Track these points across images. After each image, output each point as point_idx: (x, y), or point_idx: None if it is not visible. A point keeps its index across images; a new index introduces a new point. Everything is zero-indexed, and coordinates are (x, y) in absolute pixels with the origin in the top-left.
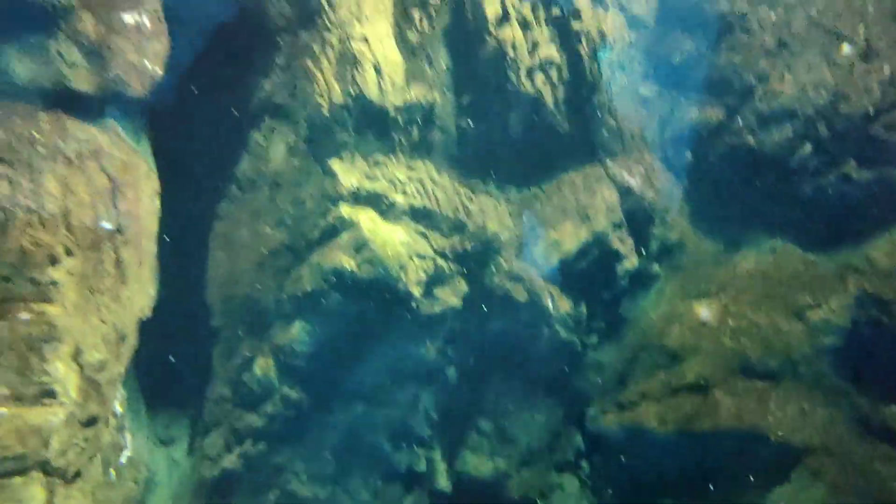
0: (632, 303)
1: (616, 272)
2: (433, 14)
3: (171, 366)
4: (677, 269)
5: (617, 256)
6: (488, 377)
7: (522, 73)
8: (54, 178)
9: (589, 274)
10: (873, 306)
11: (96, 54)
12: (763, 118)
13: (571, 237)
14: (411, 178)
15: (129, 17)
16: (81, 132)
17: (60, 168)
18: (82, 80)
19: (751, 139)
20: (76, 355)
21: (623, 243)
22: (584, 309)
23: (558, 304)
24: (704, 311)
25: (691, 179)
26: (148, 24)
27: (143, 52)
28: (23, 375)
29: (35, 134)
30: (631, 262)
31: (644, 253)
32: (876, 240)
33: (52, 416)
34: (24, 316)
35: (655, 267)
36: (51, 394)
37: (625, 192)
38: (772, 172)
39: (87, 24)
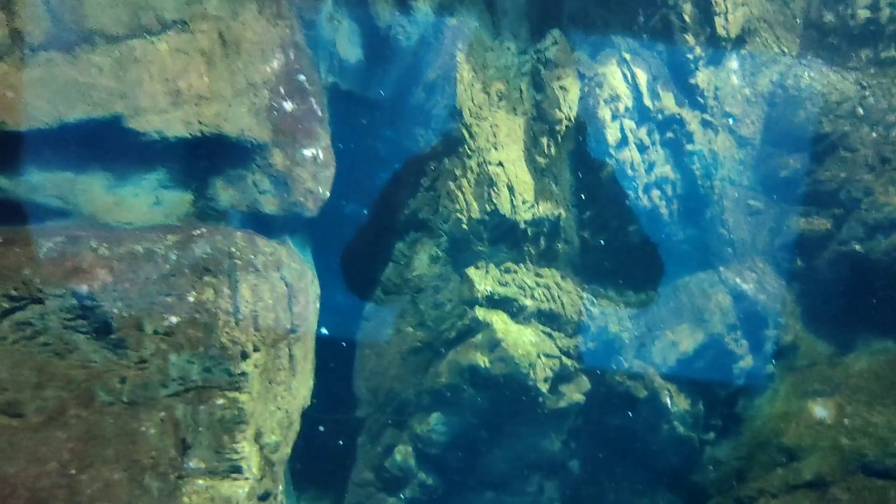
0: (748, 401)
1: (732, 372)
2: (559, 140)
3: (318, 451)
4: (791, 370)
5: (732, 357)
6: (610, 470)
7: (640, 189)
8: (247, 286)
9: (705, 373)
10: None
11: (283, 183)
12: (869, 228)
13: (688, 338)
14: (539, 284)
15: (308, 152)
16: (267, 247)
17: (251, 278)
18: (270, 205)
19: (858, 247)
20: (258, 437)
21: (738, 344)
22: (701, 406)
23: (676, 401)
24: (820, 409)
25: (802, 284)
26: (321, 155)
27: (317, 180)
28: (216, 452)
29: (233, 249)
30: (746, 362)
31: (758, 354)
32: None
33: (239, 488)
34: (220, 402)
35: (770, 367)
36: (238, 469)
37: (738, 296)
38: (880, 278)
39: (277, 158)
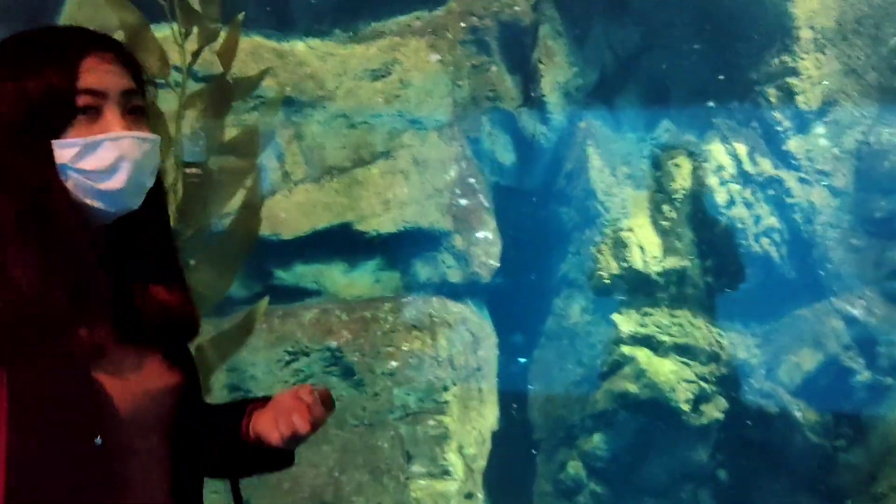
0: (872, 411)
1: (852, 386)
2: (678, 206)
3: (506, 467)
4: None
5: (851, 373)
6: (755, 477)
7: (751, 238)
8: (443, 337)
9: (830, 389)
10: None
11: (464, 259)
12: None
13: (809, 359)
14: (673, 323)
15: (480, 234)
16: (455, 307)
17: (446, 331)
18: (455, 276)
19: None
20: (460, 449)
21: (854, 362)
22: (830, 418)
23: (806, 415)
24: None
25: None
26: (490, 236)
27: (489, 255)
28: (432, 460)
29: (431, 311)
30: (864, 376)
31: (875, 369)
32: None
33: (451, 486)
34: (431, 423)
35: (888, 380)
36: (448, 473)
37: (850, 320)
38: None
39: (458, 241)
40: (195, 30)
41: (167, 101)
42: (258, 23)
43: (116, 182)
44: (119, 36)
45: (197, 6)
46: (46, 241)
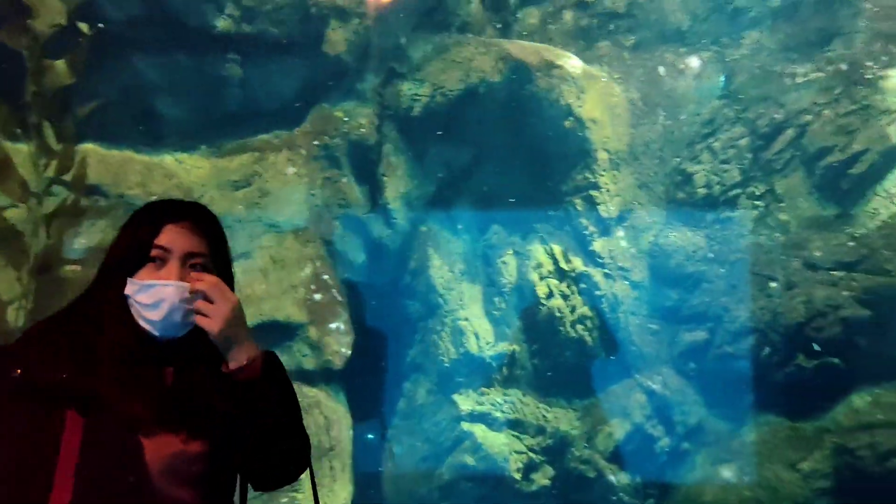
0: (674, 472)
1: (655, 451)
2: (507, 297)
3: None
4: (703, 444)
5: (654, 439)
6: None
7: (568, 326)
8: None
9: (637, 453)
10: (845, 454)
11: (317, 348)
12: (733, 335)
13: (619, 429)
14: (506, 401)
15: (333, 325)
16: (310, 392)
17: (303, 414)
18: (309, 363)
19: (729, 348)
20: None
21: (656, 429)
22: (639, 479)
23: (619, 478)
24: (727, 472)
25: (698, 380)
26: (343, 327)
27: (341, 343)
28: None
29: None
30: (665, 442)
31: (673, 435)
32: (837, 407)
33: None
34: (284, 500)
35: (685, 444)
36: None
37: (650, 393)
38: (750, 368)
39: (312, 331)
40: (50, 154)
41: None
42: (130, 138)
43: (156, 315)
44: None
45: (50, 130)
46: (112, 340)
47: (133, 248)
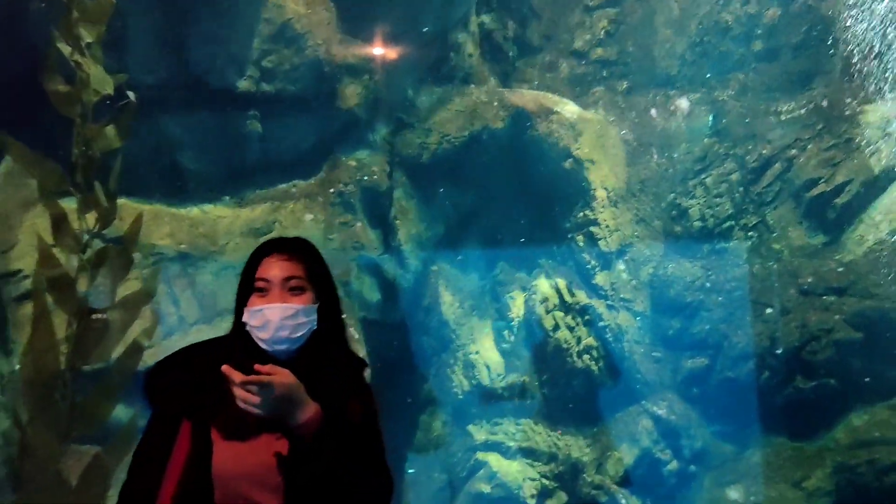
0: (683, 494)
1: (664, 474)
2: (515, 330)
3: None
4: (709, 467)
5: (662, 462)
6: None
7: (574, 356)
8: None
9: (646, 477)
10: (845, 471)
11: None
12: (733, 360)
13: (628, 454)
14: (518, 430)
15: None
16: None
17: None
18: None
19: (730, 373)
20: None
21: (664, 453)
22: (649, 502)
23: (630, 501)
24: (734, 493)
25: (701, 404)
26: (356, 335)
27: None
28: None
29: None
30: (672, 465)
31: (680, 458)
32: (836, 426)
33: None
34: None
35: (692, 467)
36: None
37: (657, 419)
38: (751, 391)
39: None
40: (94, 209)
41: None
42: (159, 191)
43: (265, 334)
44: None
45: (98, 185)
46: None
47: (243, 284)
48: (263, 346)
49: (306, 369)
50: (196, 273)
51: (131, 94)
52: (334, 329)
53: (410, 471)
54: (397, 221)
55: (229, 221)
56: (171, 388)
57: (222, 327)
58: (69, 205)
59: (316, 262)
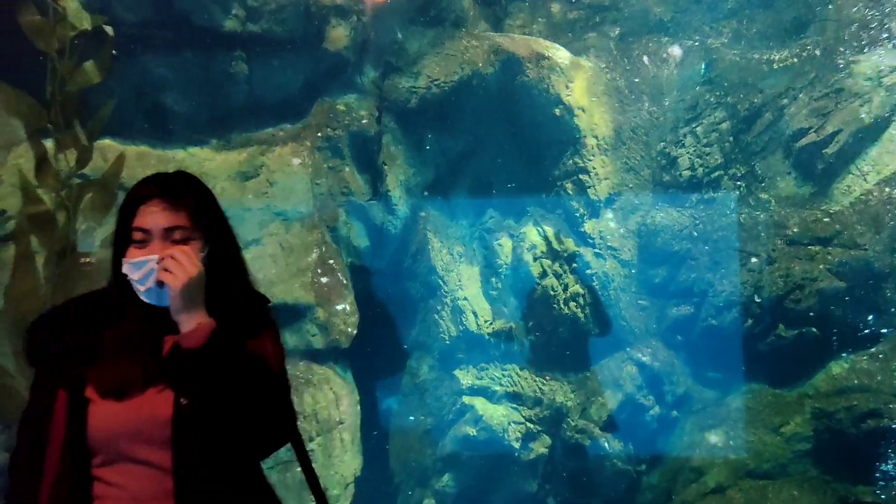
0: (664, 439)
1: (647, 419)
2: (502, 277)
3: None
4: (690, 412)
5: (644, 408)
6: (575, 501)
7: (561, 303)
8: (309, 395)
9: (629, 422)
10: (823, 417)
11: (325, 328)
12: (717, 308)
13: (612, 399)
14: (504, 375)
15: (339, 307)
16: (319, 370)
17: (311, 390)
18: (318, 343)
19: (714, 321)
20: (325, 492)
21: (647, 399)
22: (631, 447)
23: (612, 445)
24: (713, 437)
25: (685, 351)
26: (349, 308)
27: (347, 324)
28: (300, 503)
29: (298, 373)
30: (655, 410)
31: (663, 404)
32: (816, 374)
33: None
34: (299, 469)
35: (674, 413)
36: None
37: (641, 365)
38: (734, 339)
39: (320, 313)
40: (73, 147)
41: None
42: (144, 133)
43: (144, 288)
44: None
45: (76, 124)
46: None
47: (119, 233)
48: (145, 299)
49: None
50: None
51: (109, 29)
52: (231, 271)
53: (396, 415)
54: (386, 167)
55: (216, 165)
56: (46, 347)
57: None
58: (50, 144)
59: (202, 204)
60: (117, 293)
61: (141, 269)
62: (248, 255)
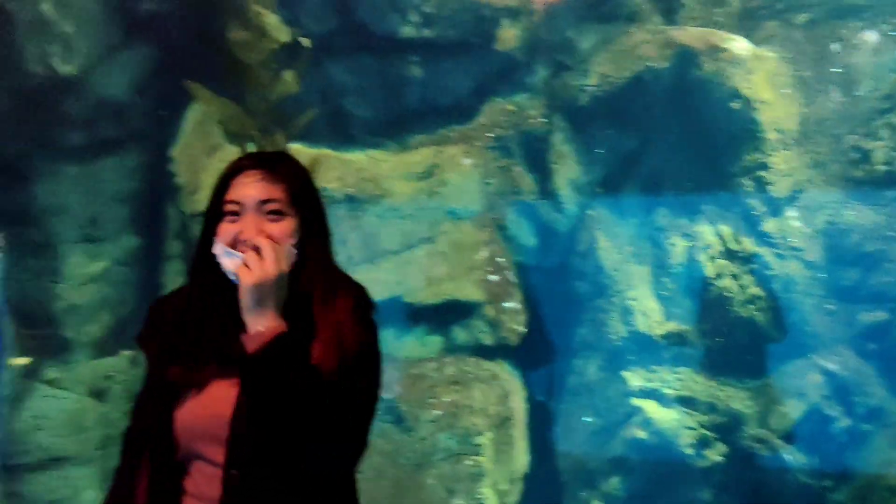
0: (854, 454)
1: (834, 432)
2: (675, 278)
3: None
4: (883, 426)
5: (831, 420)
6: None
7: (738, 306)
8: (478, 391)
9: (814, 434)
10: None
11: (494, 326)
12: None
13: (795, 409)
14: (676, 378)
15: (508, 305)
16: (487, 366)
17: (481, 385)
18: (488, 339)
19: None
20: (494, 485)
21: (834, 410)
22: (816, 460)
23: (795, 457)
24: None
25: (879, 361)
26: (517, 306)
27: (517, 322)
28: (470, 495)
29: (468, 369)
30: (843, 423)
31: (852, 416)
32: None
33: None
34: (468, 462)
35: (865, 426)
36: None
37: (828, 374)
38: None
39: (490, 310)
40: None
41: None
42: (326, 137)
43: (231, 266)
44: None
45: (280, 134)
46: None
47: (210, 209)
48: (234, 279)
49: (290, 302)
50: (361, 215)
51: (306, 41)
52: (323, 259)
53: (563, 415)
54: (555, 166)
55: (391, 166)
56: (147, 336)
57: (384, 267)
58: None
59: (301, 179)
60: (207, 279)
61: (230, 258)
62: (422, 252)
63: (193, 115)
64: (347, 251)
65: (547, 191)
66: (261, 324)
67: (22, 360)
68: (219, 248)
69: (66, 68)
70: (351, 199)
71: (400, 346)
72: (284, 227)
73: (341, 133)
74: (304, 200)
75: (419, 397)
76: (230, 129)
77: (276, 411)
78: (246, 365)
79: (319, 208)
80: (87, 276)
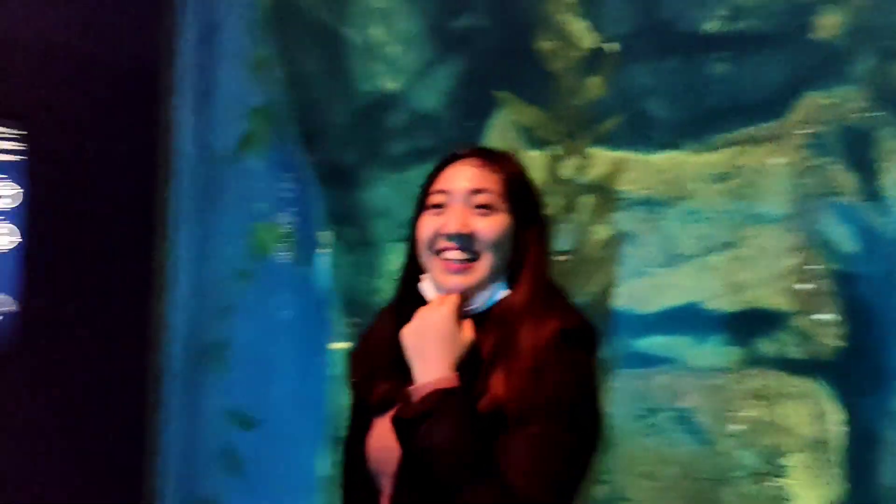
0: None
1: None
2: None
3: None
4: None
5: None
6: None
7: None
8: (784, 408)
9: None
10: None
11: (804, 338)
12: None
13: None
14: None
15: (820, 317)
16: (795, 381)
17: (787, 401)
18: (796, 353)
19: None
20: None
21: None
22: None
23: None
24: None
25: None
26: (832, 317)
27: (830, 335)
28: None
29: (772, 383)
30: None
31: None
32: None
33: None
34: (773, 484)
35: None
36: None
37: None
38: None
39: (799, 321)
40: (574, 156)
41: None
42: (626, 140)
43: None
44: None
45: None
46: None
47: (419, 202)
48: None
49: (491, 322)
50: (659, 218)
51: (614, 46)
52: (536, 269)
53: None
54: (881, 164)
55: (692, 167)
56: (353, 363)
57: (682, 271)
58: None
59: (520, 173)
60: (407, 299)
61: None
62: (723, 258)
63: (495, 124)
64: (645, 253)
65: (871, 192)
66: (423, 375)
67: (341, 345)
68: (426, 285)
69: (391, 85)
70: (649, 201)
71: (696, 355)
72: (495, 224)
73: (642, 135)
74: (521, 197)
75: (716, 410)
76: (537, 135)
77: (430, 469)
78: (397, 423)
79: (538, 209)
80: None
